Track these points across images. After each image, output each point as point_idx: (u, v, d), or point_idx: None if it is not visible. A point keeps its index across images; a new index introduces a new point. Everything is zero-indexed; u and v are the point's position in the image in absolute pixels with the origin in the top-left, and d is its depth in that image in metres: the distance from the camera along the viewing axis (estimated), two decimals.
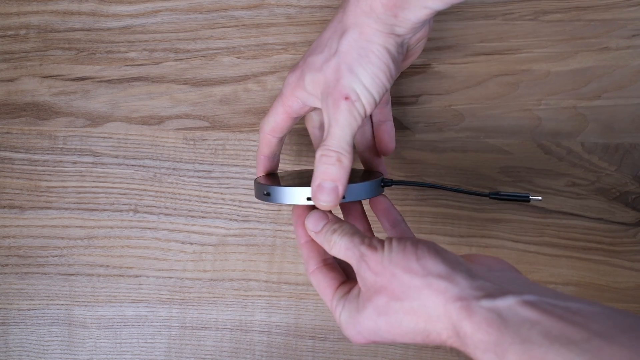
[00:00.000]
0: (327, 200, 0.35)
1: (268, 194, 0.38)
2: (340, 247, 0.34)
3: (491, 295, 0.29)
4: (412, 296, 0.31)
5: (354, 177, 0.40)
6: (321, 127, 0.42)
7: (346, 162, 0.35)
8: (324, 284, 0.37)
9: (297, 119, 0.40)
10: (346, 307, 0.34)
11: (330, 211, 0.37)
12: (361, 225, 0.40)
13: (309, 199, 0.37)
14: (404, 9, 0.33)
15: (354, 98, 0.34)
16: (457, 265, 0.31)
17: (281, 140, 0.41)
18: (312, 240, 0.37)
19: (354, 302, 0.34)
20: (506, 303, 0.28)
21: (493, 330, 0.28)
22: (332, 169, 0.35)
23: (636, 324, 0.26)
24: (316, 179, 0.35)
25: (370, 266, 0.32)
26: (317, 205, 0.36)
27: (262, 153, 0.41)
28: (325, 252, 0.37)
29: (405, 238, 0.33)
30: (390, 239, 0.33)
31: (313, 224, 0.36)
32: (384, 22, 0.34)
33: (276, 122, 0.39)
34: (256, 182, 0.40)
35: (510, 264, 0.34)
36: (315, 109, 0.39)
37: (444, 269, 0.31)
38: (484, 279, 0.30)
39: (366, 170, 0.44)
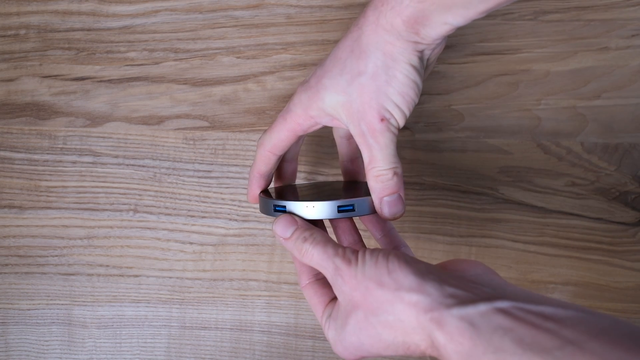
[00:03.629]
0: (397, 211, 0.36)
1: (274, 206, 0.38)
2: (313, 256, 0.34)
3: (463, 303, 0.29)
4: (386, 310, 0.31)
5: (354, 190, 0.40)
6: (348, 137, 0.42)
7: (400, 172, 0.36)
8: (315, 300, 0.37)
9: (302, 137, 0.40)
10: (332, 325, 0.34)
11: (300, 217, 0.37)
12: (351, 237, 0.40)
13: (277, 208, 0.37)
14: (425, 25, 0.33)
15: (388, 117, 0.35)
16: (427, 275, 0.31)
17: (279, 159, 0.40)
18: None
19: (338, 319, 0.34)
20: (478, 311, 0.28)
21: (465, 340, 0.28)
22: (390, 183, 0.36)
23: (609, 327, 0.26)
24: (377, 198, 0.36)
25: (345, 280, 0.33)
26: (387, 219, 0.37)
27: (257, 170, 0.40)
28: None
29: (378, 250, 0.33)
30: (364, 251, 0.33)
31: (281, 230, 0.36)
32: (406, 39, 0.33)
33: (280, 139, 0.39)
34: (260, 196, 0.40)
35: (486, 265, 0.34)
36: (323, 127, 0.39)
37: (414, 280, 0.31)
38: (456, 286, 0.30)
39: (353, 181, 0.43)
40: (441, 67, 0.47)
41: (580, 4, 0.45)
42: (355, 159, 0.43)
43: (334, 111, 0.36)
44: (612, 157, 0.46)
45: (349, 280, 0.32)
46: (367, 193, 0.37)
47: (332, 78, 0.36)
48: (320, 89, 0.36)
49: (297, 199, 0.37)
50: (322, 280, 0.37)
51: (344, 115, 0.36)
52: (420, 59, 0.35)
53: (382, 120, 0.35)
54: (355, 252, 0.33)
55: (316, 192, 0.41)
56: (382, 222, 0.40)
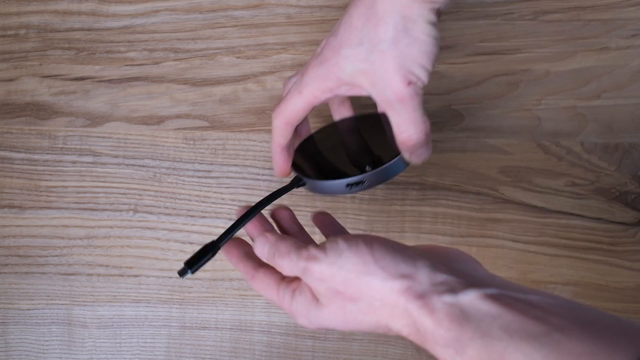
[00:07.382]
0: (426, 156, 0.38)
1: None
2: (284, 269, 0.33)
3: (453, 290, 0.29)
4: (372, 296, 0.30)
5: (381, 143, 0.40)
6: (342, 102, 0.42)
7: (429, 128, 0.37)
8: (265, 283, 0.35)
9: (316, 106, 0.39)
10: (298, 299, 0.33)
11: (270, 230, 0.36)
12: (293, 230, 0.39)
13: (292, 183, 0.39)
14: None
15: (414, 80, 0.35)
16: (418, 260, 0.31)
17: (295, 129, 0.40)
18: (241, 255, 0.37)
19: (307, 298, 0.33)
20: (468, 297, 0.28)
21: (454, 326, 0.28)
22: (422, 142, 0.37)
23: (597, 319, 0.26)
24: (410, 153, 0.37)
25: (315, 277, 0.32)
26: (416, 164, 0.38)
27: (278, 144, 0.40)
28: (254, 258, 0.36)
29: (355, 237, 0.32)
30: (335, 240, 0.32)
31: (259, 251, 0.35)
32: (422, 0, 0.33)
33: (296, 111, 0.38)
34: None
35: (471, 255, 0.34)
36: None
37: (405, 267, 0.30)
38: (447, 272, 0.30)
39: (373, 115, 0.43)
40: (441, 67, 0.47)
41: (580, 4, 0.45)
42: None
43: (355, 79, 0.36)
44: (612, 157, 0.46)
45: (320, 275, 0.31)
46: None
47: (351, 48, 0.35)
48: (340, 60, 0.36)
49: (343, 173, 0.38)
50: (266, 265, 0.36)
51: (367, 84, 0.36)
52: (437, 14, 0.35)
53: (409, 84, 0.35)
54: (322, 247, 0.32)
55: (344, 154, 0.41)
56: (327, 221, 0.40)
